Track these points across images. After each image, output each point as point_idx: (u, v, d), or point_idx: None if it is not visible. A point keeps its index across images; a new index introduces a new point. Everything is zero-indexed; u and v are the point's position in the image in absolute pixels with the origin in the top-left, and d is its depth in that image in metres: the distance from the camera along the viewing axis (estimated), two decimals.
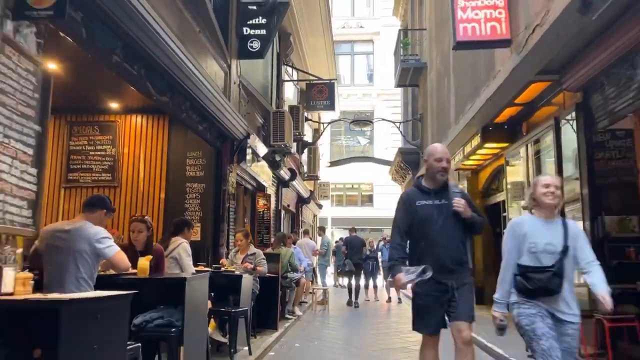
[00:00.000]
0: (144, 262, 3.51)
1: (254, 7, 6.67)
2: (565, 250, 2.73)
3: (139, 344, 2.76)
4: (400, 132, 15.40)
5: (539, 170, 6.97)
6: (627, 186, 5.44)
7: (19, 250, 2.34)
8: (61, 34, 2.84)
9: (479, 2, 5.65)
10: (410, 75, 14.04)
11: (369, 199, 28.79)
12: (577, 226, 2.99)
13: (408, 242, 3.18)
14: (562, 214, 6.08)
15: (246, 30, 6.62)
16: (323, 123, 14.74)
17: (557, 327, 2.63)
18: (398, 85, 15.16)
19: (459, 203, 3.04)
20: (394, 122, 15.21)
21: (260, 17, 6.61)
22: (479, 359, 4.09)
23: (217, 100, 5.09)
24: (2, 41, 2.21)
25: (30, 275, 2.31)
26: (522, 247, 2.78)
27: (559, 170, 6.20)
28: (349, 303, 10.83)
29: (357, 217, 25.32)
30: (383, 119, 15.49)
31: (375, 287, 12.69)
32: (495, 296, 2.85)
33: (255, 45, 6.61)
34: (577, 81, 5.44)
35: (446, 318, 3.02)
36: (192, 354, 3.48)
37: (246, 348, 5.03)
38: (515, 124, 7.76)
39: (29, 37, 2.44)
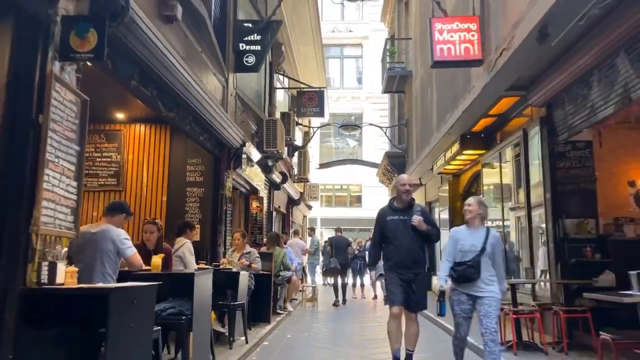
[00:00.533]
0: (157, 259, 4.04)
1: (250, 25, 7.20)
2: (482, 250, 3.93)
3: (159, 327, 3.29)
4: (387, 136, 16.01)
5: (511, 176, 7.61)
6: (586, 192, 6.10)
7: (65, 249, 2.86)
8: (90, 64, 3.34)
9: (454, 26, 6.25)
10: (396, 82, 14.63)
11: (357, 200, 29.32)
12: (497, 236, 4.20)
13: (383, 245, 4.55)
14: (529, 216, 6.75)
15: (242, 46, 7.14)
16: (313, 127, 15.28)
17: (477, 300, 3.91)
18: (385, 91, 15.74)
19: (415, 220, 4.32)
20: (381, 127, 15.80)
21: (255, 34, 7.15)
22: (429, 328, 4.66)
23: (217, 114, 5.62)
24: (54, 79, 2.72)
25: (76, 269, 2.84)
26: (456, 248, 4.04)
27: (527, 177, 6.84)
28: (335, 303, 10.81)
29: (346, 217, 25.89)
30: (371, 124, 16.07)
31: (362, 285, 13.28)
32: (438, 274, 4.37)
33: (251, 60, 7.14)
34: (541, 98, 6.06)
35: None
36: (199, 340, 4.01)
37: (243, 338, 5.56)
38: (491, 132, 8.40)
39: (71, 74, 2.96)
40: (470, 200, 4.22)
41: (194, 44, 5.42)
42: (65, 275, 2.69)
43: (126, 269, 3.73)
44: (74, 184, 2.93)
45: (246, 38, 7.14)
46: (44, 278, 2.58)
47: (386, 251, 4.49)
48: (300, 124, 13.67)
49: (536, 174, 6.59)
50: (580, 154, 6.15)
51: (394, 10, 17.66)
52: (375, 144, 27.10)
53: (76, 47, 2.84)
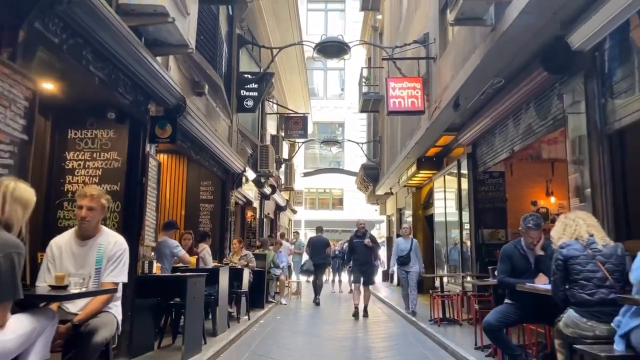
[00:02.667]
0: (193, 259, 6.06)
1: (249, 76, 9.23)
2: (410, 249, 8.24)
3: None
4: (363, 151, 18.13)
5: (452, 194, 9.77)
6: (498, 209, 8.28)
7: (152, 253, 4.87)
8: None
9: (403, 85, 8.36)
10: (371, 103, 16.73)
11: (339, 202, 31.35)
12: (416, 242, 7.82)
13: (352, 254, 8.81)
14: (461, 226, 8.91)
15: (243, 92, 9.15)
16: (298, 142, 17.33)
17: (408, 273, 8.28)
18: (361, 110, 17.85)
19: (366, 241, 8.63)
20: (357, 143, 17.92)
21: (253, 83, 9.17)
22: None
23: (227, 152, 7.64)
24: (148, 155, 4.73)
25: (159, 265, 4.84)
26: (399, 249, 8.33)
27: (459, 198, 9.01)
28: (317, 302, 11.05)
29: (329, 219, 27.96)
30: (349, 140, 18.17)
31: (340, 281, 15.40)
32: (391, 264, 7.74)
33: (250, 103, 9.15)
34: (466, 140, 8.22)
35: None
36: (221, 313, 6.04)
37: (246, 317, 7.60)
38: (440, 158, 10.57)
39: (152, 149, 4.97)
40: (406, 225, 7.65)
41: (212, 102, 7.44)
42: (155, 269, 4.71)
43: (179, 264, 5.74)
44: (155, 214, 4.95)
45: (246, 86, 9.15)
46: (146, 270, 4.60)
47: (354, 256, 8.81)
48: (286, 140, 15.69)
49: (465, 195, 8.75)
50: (495, 181, 8.33)
51: (371, 36, 19.80)
52: (356, 152, 29.21)
53: (159, 134, 4.86)
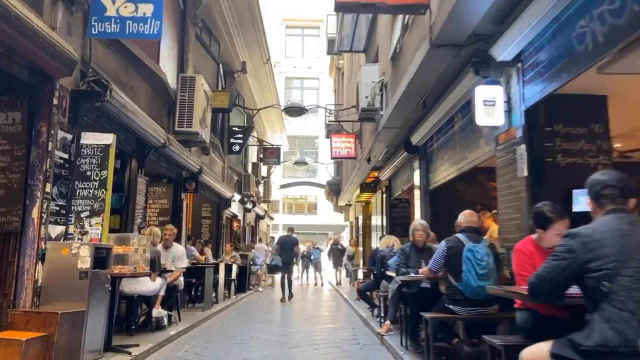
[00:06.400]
0: (202, 258, 9.87)
1: (236, 128, 13.06)
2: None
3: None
4: (327, 171, 22.09)
5: (379, 212, 13.75)
6: (405, 225, 12.23)
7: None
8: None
9: (343, 139, 12.29)
10: (334, 130, 20.67)
11: (314, 207, 35.27)
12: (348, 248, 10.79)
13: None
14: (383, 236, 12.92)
15: (232, 140, 12.97)
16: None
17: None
18: (327, 137, 21.77)
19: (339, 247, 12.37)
20: (323, 163, 21.84)
21: (239, 134, 12.99)
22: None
23: (221, 186, 11.47)
24: (183, 199, 8.55)
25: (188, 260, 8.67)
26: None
27: (381, 215, 12.98)
28: (282, 299, 11.68)
29: (304, 223, 31.87)
30: (316, 161, 22.08)
31: (307, 277, 19.31)
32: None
33: (236, 148, 12.98)
34: (384, 176, 12.20)
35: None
36: (220, 291, 9.86)
37: (235, 296, 11.45)
38: (375, 184, 14.57)
39: (183, 196, 8.82)
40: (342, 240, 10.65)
41: (212, 155, 11.26)
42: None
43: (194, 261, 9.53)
44: (184, 233, 8.79)
45: (235, 136, 12.98)
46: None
47: (333, 257, 12.43)
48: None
49: (386, 213, 12.74)
50: (403, 204, 12.31)
51: (335, 75, 23.77)
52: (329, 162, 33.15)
53: (188, 188, 8.69)
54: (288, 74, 35.83)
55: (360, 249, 17.44)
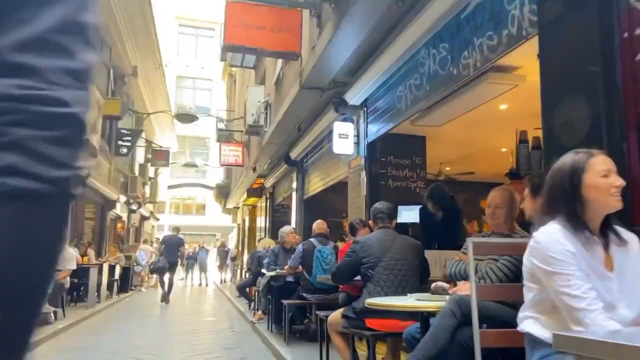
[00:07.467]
0: (86, 259, 10.08)
1: (125, 131, 13.23)
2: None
3: None
4: (216, 173, 22.64)
5: (263, 215, 14.84)
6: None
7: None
8: None
9: (231, 147, 13.15)
10: (225, 137, 21.31)
11: (202, 208, 35.17)
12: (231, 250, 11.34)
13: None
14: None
15: (119, 142, 13.11)
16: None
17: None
18: (217, 140, 22.33)
19: (226, 249, 12.99)
20: (212, 167, 22.37)
21: (128, 137, 13.18)
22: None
23: (106, 187, 11.66)
24: None
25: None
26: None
27: (265, 219, 14.08)
28: (163, 299, 11.15)
29: (193, 224, 31.67)
30: (206, 164, 22.53)
31: (192, 277, 19.69)
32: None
33: (124, 150, 13.16)
34: (268, 183, 13.30)
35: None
36: (103, 290, 10.15)
37: (117, 296, 11.69)
38: (261, 190, 15.61)
39: None
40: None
41: (101, 159, 11.41)
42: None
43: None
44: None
45: (123, 138, 13.14)
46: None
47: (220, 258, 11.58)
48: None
49: (269, 218, 13.85)
50: (284, 210, 13.50)
51: (227, 81, 24.42)
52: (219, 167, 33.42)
53: None
54: (179, 73, 35.30)
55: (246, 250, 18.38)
